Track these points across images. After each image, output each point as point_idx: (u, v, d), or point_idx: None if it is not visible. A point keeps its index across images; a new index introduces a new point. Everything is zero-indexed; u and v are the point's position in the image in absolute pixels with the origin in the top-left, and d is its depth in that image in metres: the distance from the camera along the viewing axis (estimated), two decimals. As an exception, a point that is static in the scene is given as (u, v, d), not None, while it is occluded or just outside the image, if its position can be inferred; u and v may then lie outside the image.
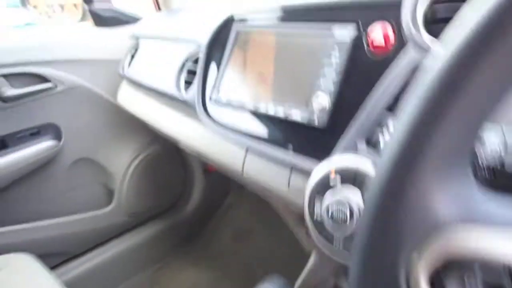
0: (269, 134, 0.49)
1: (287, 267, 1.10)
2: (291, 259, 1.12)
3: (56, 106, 0.96)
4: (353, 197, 0.35)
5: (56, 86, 0.94)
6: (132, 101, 0.90)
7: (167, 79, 0.71)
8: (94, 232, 1.08)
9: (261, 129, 0.50)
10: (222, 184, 1.33)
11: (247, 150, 0.54)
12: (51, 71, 0.93)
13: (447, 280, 0.19)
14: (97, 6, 1.05)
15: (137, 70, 0.85)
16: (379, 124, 0.37)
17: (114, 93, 1.01)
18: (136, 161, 1.11)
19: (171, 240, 1.22)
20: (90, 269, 1.07)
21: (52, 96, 0.94)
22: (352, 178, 0.36)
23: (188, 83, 0.65)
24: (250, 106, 0.51)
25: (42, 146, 0.93)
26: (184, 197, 1.26)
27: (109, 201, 1.10)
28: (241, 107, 0.52)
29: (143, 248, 1.16)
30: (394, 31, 0.39)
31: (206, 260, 1.19)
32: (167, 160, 1.18)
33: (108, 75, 1.00)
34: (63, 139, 0.97)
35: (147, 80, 0.79)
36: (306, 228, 0.63)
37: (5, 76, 0.88)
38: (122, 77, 0.92)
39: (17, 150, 0.91)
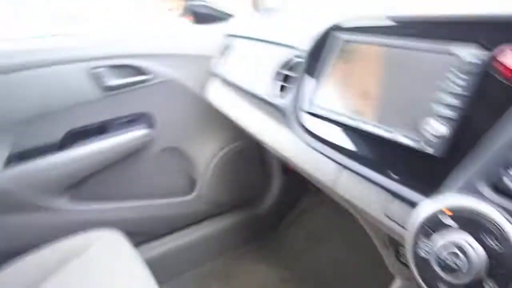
0: (368, 154, 0.46)
1: (359, 278, 1.07)
2: (364, 270, 1.09)
3: (151, 97, 1.01)
4: (474, 244, 0.31)
5: (152, 78, 0.99)
6: (220, 98, 0.91)
7: (259, 82, 0.71)
8: (175, 217, 1.14)
9: (360, 148, 0.47)
10: (299, 185, 1.32)
11: (341, 167, 0.52)
12: (148, 64, 0.98)
13: None
14: (194, 2, 1.08)
15: (229, 69, 0.86)
16: (506, 165, 0.33)
17: (203, 87, 1.04)
18: (219, 155, 1.14)
19: (245, 234, 1.25)
20: (169, 250, 1.13)
21: (148, 88, 1.00)
22: (469, 223, 0.32)
23: (283, 89, 0.65)
24: (350, 122, 0.48)
25: (137, 133, 1.00)
26: (261, 193, 1.27)
27: (191, 190, 1.15)
28: (339, 122, 0.50)
29: (218, 237, 1.20)
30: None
31: (277, 259, 1.19)
32: (248, 157, 1.20)
33: (200, 70, 1.03)
34: (155, 128, 1.03)
35: (238, 80, 0.80)
36: (396, 252, 0.60)
37: (109, 67, 0.95)
38: (213, 74, 0.95)
39: (115, 135, 0.98)
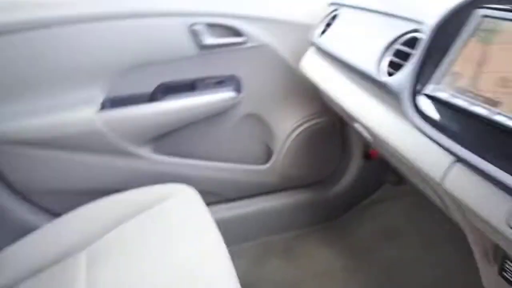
0: (497, 150, 0.40)
1: (433, 284, 1.00)
2: (442, 276, 1.01)
3: (242, 60, 1.00)
4: None
5: (246, 42, 0.97)
6: (316, 69, 0.87)
7: (367, 56, 0.65)
8: (247, 184, 1.14)
9: (487, 141, 0.41)
10: (379, 173, 1.24)
11: (455, 161, 0.46)
12: (245, 26, 0.96)
13: None
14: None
15: (331, 39, 0.80)
16: None
17: (297, 58, 0.99)
18: (300, 129, 1.11)
19: (313, 213, 1.22)
20: (235, 216, 1.14)
21: (241, 51, 0.98)
22: None
23: (394, 66, 0.59)
24: (480, 111, 0.42)
25: (224, 95, 0.99)
26: (336, 175, 1.23)
27: (266, 160, 1.14)
28: (466, 110, 0.43)
29: (286, 212, 1.19)
30: None
31: (341, 246, 1.15)
32: (328, 135, 1.16)
33: (295, 38, 0.99)
34: (241, 92, 1.01)
35: (340, 52, 0.75)
36: (500, 267, 0.53)
37: (208, 25, 0.94)
38: (312, 44, 0.90)
39: (203, 94, 0.99)
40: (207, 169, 1.08)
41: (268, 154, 1.15)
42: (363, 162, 1.18)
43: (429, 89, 0.49)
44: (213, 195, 1.11)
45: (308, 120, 1.11)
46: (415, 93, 0.50)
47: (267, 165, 1.13)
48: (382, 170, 1.23)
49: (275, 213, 1.19)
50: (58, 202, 1.01)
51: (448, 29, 0.50)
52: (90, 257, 0.74)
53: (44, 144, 0.92)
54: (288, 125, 1.11)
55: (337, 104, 0.78)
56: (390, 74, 0.59)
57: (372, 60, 0.63)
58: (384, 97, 0.60)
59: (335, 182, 1.22)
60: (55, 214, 1.04)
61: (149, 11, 0.91)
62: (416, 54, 0.52)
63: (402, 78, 0.53)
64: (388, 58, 0.61)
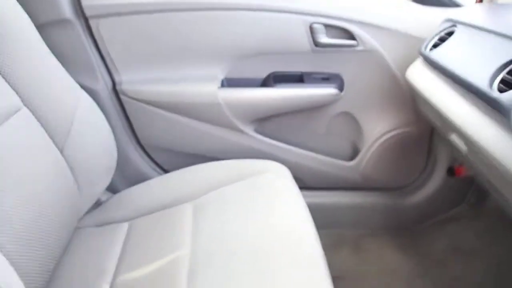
0: None
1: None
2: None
3: (349, 61, 1.09)
4: None
5: (357, 45, 1.05)
6: (422, 79, 0.93)
7: (480, 73, 0.71)
8: (330, 176, 1.23)
9: None
10: (459, 192, 1.26)
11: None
12: (359, 31, 1.04)
13: None
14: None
15: (445, 53, 0.86)
16: None
17: (401, 67, 1.06)
18: (389, 135, 1.17)
19: (388, 217, 1.27)
20: (316, 203, 1.23)
21: (350, 53, 1.07)
22: None
23: (506, 84, 0.64)
24: None
25: (327, 91, 1.09)
26: (416, 185, 1.27)
27: (351, 158, 1.22)
28: None
29: (362, 210, 1.26)
30: None
31: (411, 254, 1.19)
32: (415, 146, 1.20)
33: (404, 48, 1.05)
34: (342, 91, 1.10)
35: (454, 66, 0.80)
36: None
37: (325, 25, 1.04)
38: (421, 55, 0.96)
39: (308, 87, 1.10)
40: (298, 155, 1.19)
41: (354, 153, 1.23)
42: (446, 177, 1.21)
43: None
44: (297, 180, 1.22)
45: (398, 127, 1.16)
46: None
47: (352, 162, 1.21)
48: (463, 189, 1.25)
49: (351, 209, 1.26)
50: (169, 160, 1.18)
51: None
52: (195, 208, 0.88)
53: (170, 108, 1.09)
54: (379, 129, 1.17)
55: (437, 112, 0.84)
56: (500, 91, 0.64)
57: (485, 77, 0.69)
58: (491, 111, 0.66)
59: (414, 192, 1.26)
60: (165, 170, 1.21)
61: (276, 7, 1.03)
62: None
63: (514, 95, 0.59)
64: (500, 76, 0.66)
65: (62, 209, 0.77)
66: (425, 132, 1.17)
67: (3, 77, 0.73)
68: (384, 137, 1.17)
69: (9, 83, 0.73)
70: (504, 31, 0.74)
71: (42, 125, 0.78)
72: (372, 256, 1.20)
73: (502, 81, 0.66)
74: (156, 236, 0.85)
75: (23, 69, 0.76)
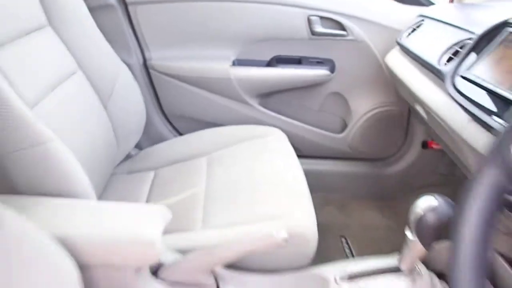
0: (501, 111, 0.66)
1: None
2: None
3: (340, 49, 1.30)
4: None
5: (347, 35, 1.27)
6: (398, 64, 1.14)
7: (434, 54, 0.92)
8: (322, 147, 1.44)
9: (494, 106, 0.67)
10: (433, 164, 1.46)
11: (471, 120, 0.72)
12: (349, 23, 1.26)
13: None
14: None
15: (413, 41, 1.08)
16: None
17: (383, 54, 1.27)
18: (373, 112, 1.38)
19: (371, 184, 1.48)
20: (308, 169, 1.39)
21: (341, 41, 1.28)
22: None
23: (449, 60, 0.85)
24: (497, 90, 0.68)
25: (320, 72, 1.30)
26: (396, 157, 1.47)
27: (340, 131, 1.44)
28: (487, 89, 0.69)
29: (348, 176, 1.47)
30: None
31: (390, 214, 1.41)
32: (395, 123, 1.41)
33: (385, 38, 1.26)
34: (333, 73, 1.32)
35: (418, 50, 1.02)
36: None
37: (320, 17, 1.26)
38: (397, 43, 1.18)
39: (305, 68, 1.31)
40: (295, 127, 1.40)
41: (343, 127, 1.44)
42: (421, 150, 1.42)
43: (466, 73, 0.76)
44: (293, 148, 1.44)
45: (381, 106, 1.38)
46: (455, 76, 0.77)
47: (341, 135, 1.43)
48: (436, 161, 1.45)
49: (339, 176, 1.48)
50: (186, 125, 1.41)
51: (486, 39, 0.76)
52: (208, 161, 1.10)
53: (189, 81, 1.32)
54: (364, 107, 1.39)
55: (407, 88, 1.05)
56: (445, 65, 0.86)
57: (436, 56, 0.90)
58: (438, 81, 0.87)
59: (394, 163, 1.48)
60: (181, 134, 1.43)
61: (280, 1, 1.25)
62: (462, 53, 0.79)
63: (450, 67, 0.81)
64: (448, 55, 0.88)
65: (103, 156, 0.99)
66: (403, 111, 1.39)
67: (64, 43, 0.95)
68: (369, 114, 1.39)
69: (68, 48, 0.96)
70: (456, 23, 0.95)
71: (92, 85, 1.00)
72: (355, 213, 1.41)
73: (449, 59, 0.87)
74: (177, 180, 1.06)
75: (78, 38, 0.98)
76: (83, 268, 0.57)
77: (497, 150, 0.41)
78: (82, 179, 0.74)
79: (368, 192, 1.50)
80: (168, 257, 0.71)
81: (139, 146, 1.27)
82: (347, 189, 1.50)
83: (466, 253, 0.41)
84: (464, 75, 0.76)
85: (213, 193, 0.96)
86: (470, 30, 0.85)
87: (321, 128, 1.43)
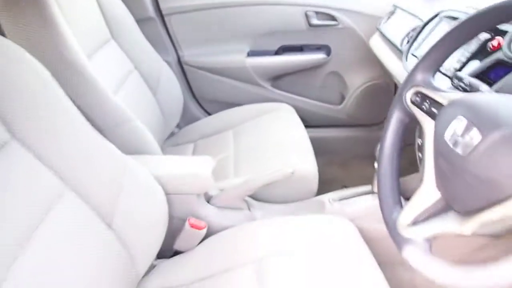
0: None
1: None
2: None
3: (334, 36, 1.60)
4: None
5: (338, 24, 1.57)
6: (378, 46, 1.44)
7: (399, 37, 1.23)
8: (324, 117, 1.76)
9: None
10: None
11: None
12: (338, 15, 1.56)
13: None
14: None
15: (388, 28, 1.38)
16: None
17: (369, 37, 1.57)
18: (365, 85, 1.68)
19: (369, 146, 1.77)
20: (314, 136, 1.74)
21: (333, 29, 1.58)
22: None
23: (407, 42, 1.16)
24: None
25: (319, 56, 1.62)
26: (382, 122, 1.78)
27: (339, 103, 1.75)
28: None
29: (349, 140, 1.79)
30: None
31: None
32: (384, 93, 1.70)
33: (369, 24, 1.56)
34: (329, 56, 1.63)
35: (389, 35, 1.32)
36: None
37: (315, 12, 1.56)
38: (377, 29, 1.47)
39: (306, 54, 1.63)
40: (301, 102, 1.73)
41: (341, 99, 1.75)
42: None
43: (414, 51, 1.06)
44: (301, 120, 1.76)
45: (371, 80, 1.68)
46: (408, 52, 1.08)
47: (340, 106, 1.74)
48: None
49: (340, 140, 1.80)
50: (213, 107, 1.75)
51: (431, 23, 1.06)
52: (234, 133, 1.43)
53: (214, 71, 1.66)
54: (357, 82, 1.69)
55: (384, 66, 1.36)
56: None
57: (399, 39, 1.21)
58: (401, 58, 1.18)
59: (379, 127, 1.78)
60: (209, 114, 1.78)
61: (283, 2, 1.56)
62: (413, 36, 1.10)
63: (406, 47, 1.11)
64: (406, 38, 1.18)
65: (155, 132, 1.33)
66: (390, 83, 1.69)
67: (124, 52, 1.30)
68: (362, 87, 1.69)
69: (127, 56, 1.30)
70: (414, 12, 1.25)
71: (144, 80, 1.35)
72: (355, 170, 1.74)
73: (408, 41, 1.17)
74: (210, 149, 1.41)
75: (132, 46, 1.32)
76: (166, 194, 0.92)
77: (399, 95, 0.73)
78: (155, 144, 1.10)
79: (365, 152, 1.81)
80: (214, 192, 1.07)
81: (179, 126, 1.63)
82: (348, 151, 1.82)
83: (385, 159, 0.73)
84: (413, 53, 1.06)
85: (239, 155, 1.30)
86: (421, 18, 1.15)
87: (323, 102, 1.75)
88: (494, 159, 0.48)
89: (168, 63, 1.55)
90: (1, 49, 0.65)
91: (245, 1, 1.55)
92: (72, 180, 0.69)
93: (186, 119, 1.72)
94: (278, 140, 1.31)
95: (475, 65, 0.82)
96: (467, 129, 0.52)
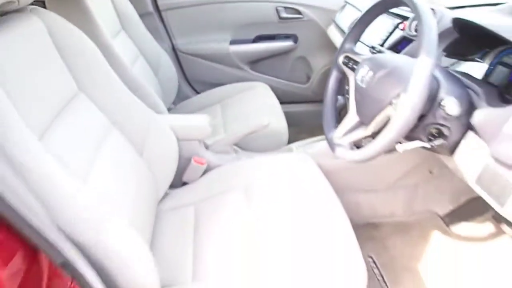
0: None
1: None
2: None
3: (300, 26, 1.97)
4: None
5: (303, 17, 1.95)
6: (333, 35, 1.82)
7: (347, 25, 1.60)
8: (294, 94, 2.13)
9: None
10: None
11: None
12: (303, 9, 1.93)
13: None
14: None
15: (339, 20, 1.76)
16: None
17: (328, 27, 1.95)
18: (326, 67, 2.05)
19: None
20: (286, 111, 2.14)
21: (299, 21, 1.96)
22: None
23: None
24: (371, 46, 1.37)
25: (288, 43, 1.99)
26: (343, 95, 2.17)
27: (306, 82, 2.13)
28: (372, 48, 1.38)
29: (315, 113, 2.17)
30: None
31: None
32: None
33: (328, 17, 1.94)
34: (297, 43, 2.00)
35: (341, 24, 1.70)
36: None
37: (284, 7, 1.93)
38: (333, 21, 1.86)
39: (278, 41, 2.00)
40: (275, 82, 2.09)
41: (307, 79, 2.13)
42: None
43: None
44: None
45: (331, 63, 2.05)
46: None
47: (306, 85, 2.12)
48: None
49: (307, 114, 2.17)
50: (203, 87, 2.10)
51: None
52: (221, 106, 1.79)
53: (204, 57, 2.01)
54: (320, 64, 2.06)
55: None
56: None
57: (348, 27, 1.59)
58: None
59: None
60: (199, 92, 2.12)
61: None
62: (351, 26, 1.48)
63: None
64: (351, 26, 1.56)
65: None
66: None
67: (136, 45, 1.63)
68: (323, 69, 2.07)
69: (132, 40, 1.63)
70: (357, 6, 1.63)
71: (148, 63, 1.68)
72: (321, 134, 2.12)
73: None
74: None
75: (138, 33, 1.66)
76: (177, 140, 1.26)
77: (335, 59, 1.10)
78: (162, 105, 1.44)
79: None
80: (210, 142, 1.42)
81: (174, 103, 1.96)
82: (314, 122, 2.18)
83: (328, 99, 1.11)
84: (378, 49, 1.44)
85: (226, 120, 1.66)
86: (361, 10, 1.54)
87: (293, 82, 2.12)
88: (379, 86, 0.86)
89: (165, 50, 1.88)
90: (61, 21, 0.97)
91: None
92: (117, 122, 1.04)
93: (179, 97, 2.05)
94: (256, 107, 1.67)
95: (390, 40, 1.22)
96: (367, 72, 0.89)
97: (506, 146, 0.74)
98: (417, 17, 0.78)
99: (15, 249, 0.49)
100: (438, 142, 0.87)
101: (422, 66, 0.73)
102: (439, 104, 0.83)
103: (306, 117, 2.19)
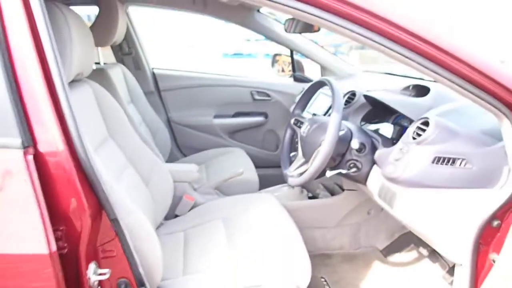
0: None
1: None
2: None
3: (269, 106, 2.51)
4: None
5: (271, 99, 2.49)
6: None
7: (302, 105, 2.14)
8: (264, 160, 2.59)
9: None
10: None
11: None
12: (271, 93, 2.49)
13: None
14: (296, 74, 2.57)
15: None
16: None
17: (290, 106, 2.49)
18: (291, 138, 2.56)
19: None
20: (259, 175, 2.58)
21: (268, 102, 2.50)
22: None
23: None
24: (317, 115, 1.88)
25: (260, 119, 2.51)
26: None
27: (275, 150, 2.61)
28: (314, 115, 1.89)
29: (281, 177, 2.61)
30: None
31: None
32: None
33: (290, 99, 2.49)
34: (267, 119, 2.52)
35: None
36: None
37: (257, 91, 2.48)
38: (294, 101, 2.40)
39: (251, 117, 2.52)
40: (249, 149, 2.54)
41: (276, 147, 2.61)
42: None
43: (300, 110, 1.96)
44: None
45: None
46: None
47: (275, 152, 2.59)
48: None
49: (275, 176, 2.61)
50: (191, 152, 2.53)
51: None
52: (205, 166, 2.23)
53: (191, 127, 2.49)
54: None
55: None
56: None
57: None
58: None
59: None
60: (186, 156, 2.56)
61: (236, 82, 2.48)
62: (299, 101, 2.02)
63: (305, 108, 2.02)
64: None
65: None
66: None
67: (135, 107, 2.11)
68: (289, 140, 2.57)
69: (143, 119, 2.11)
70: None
71: (148, 128, 2.14)
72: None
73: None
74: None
75: (143, 106, 2.14)
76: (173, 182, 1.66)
77: (288, 122, 1.58)
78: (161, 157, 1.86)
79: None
80: (197, 186, 1.81)
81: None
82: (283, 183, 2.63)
83: (284, 149, 1.57)
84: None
85: (208, 173, 2.07)
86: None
87: (264, 149, 2.60)
88: (314, 135, 1.33)
89: (162, 120, 2.36)
90: (101, 89, 1.42)
91: (213, 83, 2.47)
92: (132, 162, 1.46)
93: (170, 159, 2.48)
94: (233, 164, 2.10)
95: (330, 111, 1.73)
96: (307, 127, 1.37)
97: (388, 168, 1.19)
98: (332, 92, 1.29)
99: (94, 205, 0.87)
100: (353, 170, 1.32)
101: (334, 118, 1.21)
102: (352, 146, 1.30)
103: (276, 179, 2.62)
